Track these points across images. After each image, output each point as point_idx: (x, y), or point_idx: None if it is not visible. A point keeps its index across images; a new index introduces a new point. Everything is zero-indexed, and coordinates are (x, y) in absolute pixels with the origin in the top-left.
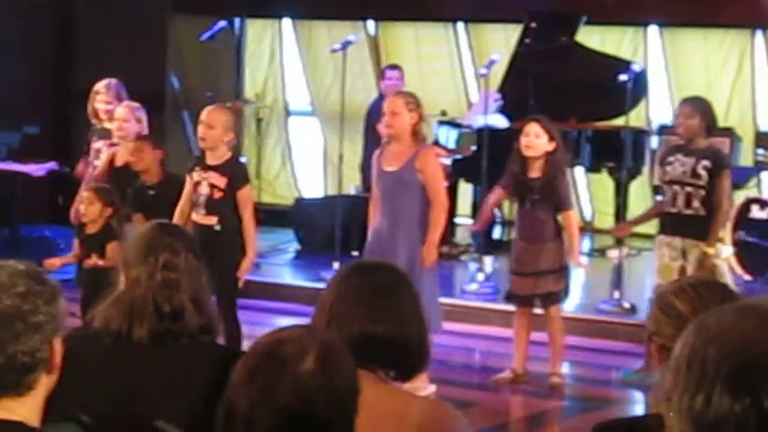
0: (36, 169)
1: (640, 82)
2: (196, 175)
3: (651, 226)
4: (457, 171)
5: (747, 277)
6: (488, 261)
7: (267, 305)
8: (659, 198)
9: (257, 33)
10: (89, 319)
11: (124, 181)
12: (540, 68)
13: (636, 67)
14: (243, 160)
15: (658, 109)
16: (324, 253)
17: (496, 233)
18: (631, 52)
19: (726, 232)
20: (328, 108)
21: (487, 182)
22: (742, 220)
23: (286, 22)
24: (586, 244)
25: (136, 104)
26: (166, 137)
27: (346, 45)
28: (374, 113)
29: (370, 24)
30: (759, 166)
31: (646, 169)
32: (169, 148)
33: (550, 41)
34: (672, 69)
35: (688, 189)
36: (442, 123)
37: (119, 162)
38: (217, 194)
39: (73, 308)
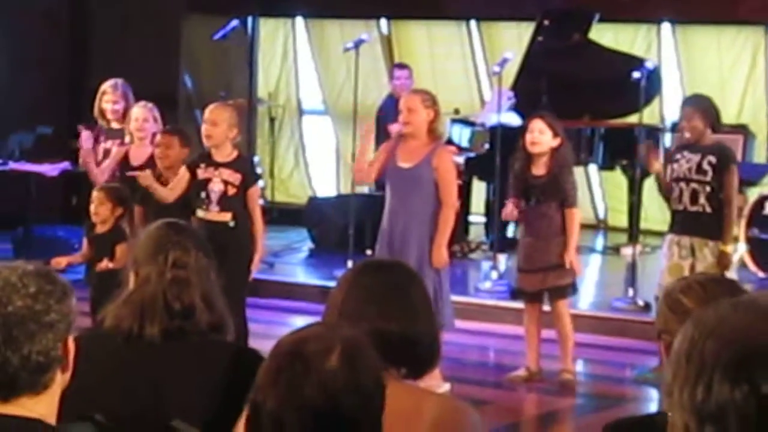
0: (49, 169)
1: (653, 80)
2: (203, 171)
3: (665, 224)
4: (471, 169)
5: (761, 274)
6: (502, 259)
7: (280, 304)
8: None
9: (270, 32)
10: (100, 318)
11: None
12: (553, 66)
13: (649, 65)
14: (256, 159)
15: (671, 106)
16: (337, 252)
17: (510, 231)
18: (645, 49)
19: (740, 229)
20: (340, 107)
21: (500, 180)
22: (756, 217)
23: (299, 21)
24: (599, 242)
25: (151, 104)
26: None
27: (358, 44)
28: (384, 112)
29: (383, 23)
30: None
31: (659, 166)
32: None
33: (564, 39)
34: (685, 66)
35: (694, 185)
36: (455, 121)
37: (135, 161)
38: (232, 191)
39: (84, 308)
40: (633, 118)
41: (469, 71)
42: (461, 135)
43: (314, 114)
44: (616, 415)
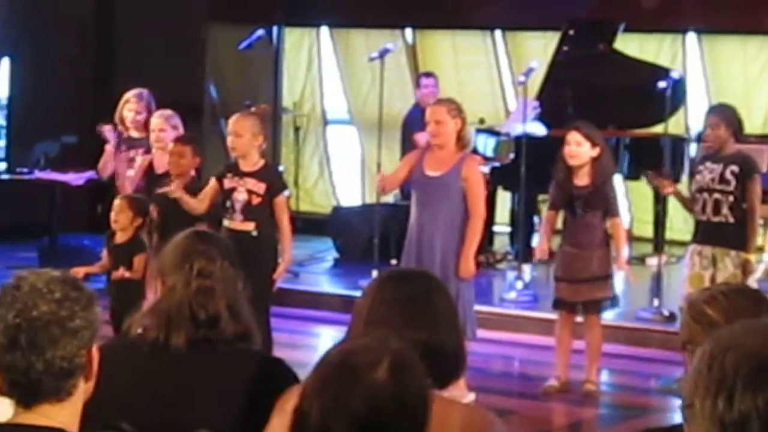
0: (75, 179)
1: (678, 90)
2: (229, 181)
3: (690, 234)
4: (496, 179)
5: None
6: (527, 269)
7: (305, 314)
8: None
9: (295, 41)
10: (126, 327)
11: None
12: (578, 76)
13: (675, 75)
14: (281, 168)
15: (696, 116)
16: (362, 262)
17: (534, 241)
18: (670, 59)
19: (764, 239)
20: (365, 116)
21: (525, 190)
22: None
23: (324, 31)
24: (624, 252)
25: (169, 112)
26: (205, 146)
27: (383, 53)
28: (411, 121)
29: (408, 32)
30: None
31: (685, 177)
32: (208, 157)
33: (589, 49)
34: (710, 76)
35: (717, 195)
36: (480, 131)
37: (159, 170)
38: (256, 200)
39: (105, 317)
40: (658, 128)
41: (494, 81)
42: (486, 145)
43: (339, 123)
44: (640, 425)
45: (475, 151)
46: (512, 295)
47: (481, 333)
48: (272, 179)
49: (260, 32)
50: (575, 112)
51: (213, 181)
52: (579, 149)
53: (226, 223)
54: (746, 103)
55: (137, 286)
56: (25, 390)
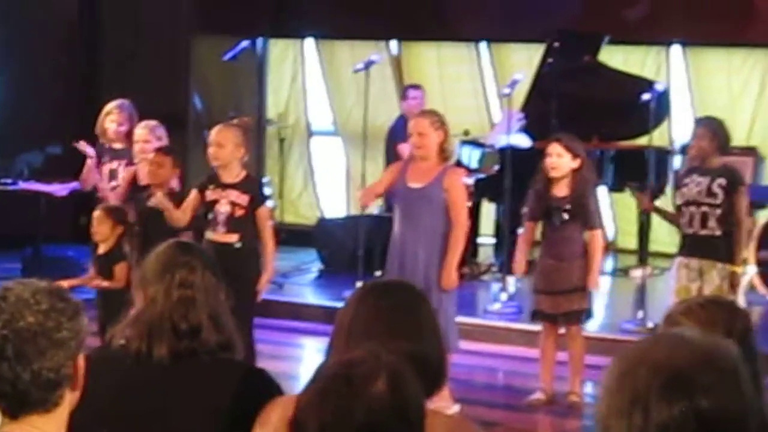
0: (59, 189)
1: (663, 102)
2: (211, 193)
3: (674, 246)
4: (480, 191)
5: None
6: (511, 281)
7: (290, 325)
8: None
9: (280, 53)
10: (109, 338)
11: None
12: (563, 88)
13: (659, 87)
14: (266, 180)
15: (681, 128)
16: (347, 273)
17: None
18: (654, 71)
19: (750, 252)
20: (350, 128)
21: (510, 202)
22: (766, 239)
23: (309, 42)
24: (609, 264)
25: (154, 122)
26: (189, 156)
27: (368, 65)
28: (395, 133)
29: (393, 44)
30: None
31: (669, 189)
32: (192, 168)
33: (573, 61)
34: (695, 88)
35: (704, 209)
36: (464, 143)
37: (144, 181)
38: (239, 212)
39: (94, 328)
40: (643, 140)
41: (479, 93)
42: (471, 156)
43: (324, 135)
44: None
45: (459, 163)
46: (497, 306)
47: (466, 345)
48: (255, 191)
49: (245, 44)
50: (560, 123)
51: (194, 193)
52: (560, 161)
53: (208, 235)
54: (730, 115)
55: (122, 295)
56: (12, 401)
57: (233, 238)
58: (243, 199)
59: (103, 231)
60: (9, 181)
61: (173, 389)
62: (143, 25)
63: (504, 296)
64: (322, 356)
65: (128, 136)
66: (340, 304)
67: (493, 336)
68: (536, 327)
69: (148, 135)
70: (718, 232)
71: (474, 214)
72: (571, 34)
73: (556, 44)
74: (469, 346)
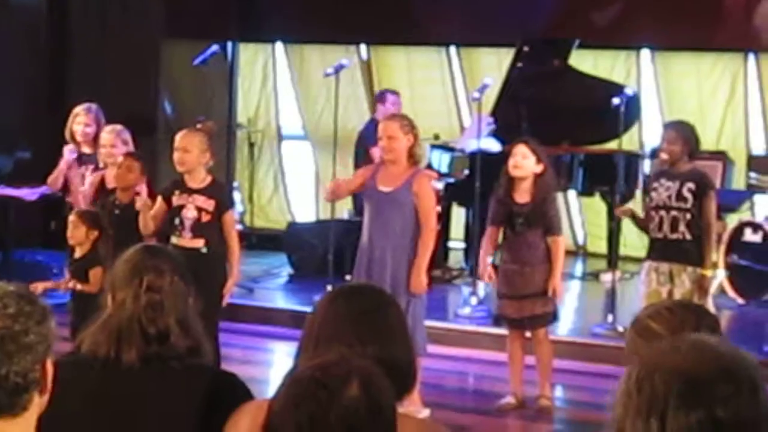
0: (28, 194)
1: (632, 106)
2: (177, 198)
3: (644, 250)
4: (450, 195)
5: (740, 301)
6: (481, 285)
7: (259, 329)
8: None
9: (250, 57)
10: (78, 343)
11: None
12: (533, 92)
13: (629, 91)
14: (235, 184)
15: (650, 132)
16: (317, 278)
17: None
18: (624, 75)
19: (719, 256)
20: (320, 132)
21: (480, 206)
22: (735, 243)
23: (279, 47)
24: (579, 268)
25: (119, 127)
26: (159, 161)
27: (338, 69)
28: (368, 137)
29: (363, 48)
30: (751, 190)
31: (639, 193)
32: (161, 172)
33: (543, 65)
34: (664, 93)
35: (674, 213)
36: (434, 147)
37: (111, 184)
38: (205, 217)
39: (65, 333)
40: (612, 145)
41: (449, 97)
42: (441, 160)
43: (294, 139)
44: None
45: (429, 167)
46: (467, 310)
47: (436, 349)
48: (221, 196)
49: (215, 48)
50: (530, 128)
51: (160, 201)
52: (524, 161)
53: (174, 240)
54: (700, 119)
55: (96, 300)
56: None
57: (199, 243)
58: (209, 204)
59: (77, 236)
60: None
61: (142, 394)
62: (112, 29)
63: (474, 300)
64: (292, 360)
65: (96, 139)
66: (310, 309)
67: (463, 340)
68: (506, 331)
69: (114, 139)
70: (688, 236)
71: (444, 218)
72: (540, 39)
73: (526, 48)
74: (440, 350)
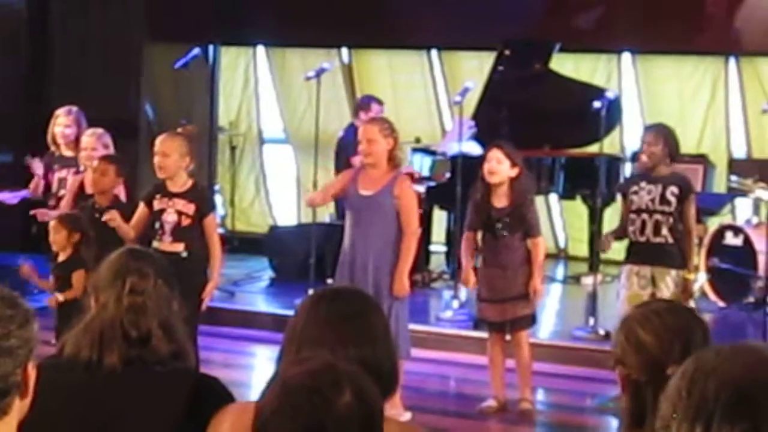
0: (9, 198)
1: (614, 109)
2: (158, 202)
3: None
4: (432, 198)
5: (721, 304)
6: (463, 288)
7: (241, 333)
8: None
9: (231, 61)
10: (60, 346)
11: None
12: (514, 95)
13: (610, 94)
14: (216, 188)
15: (632, 136)
16: (298, 281)
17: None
18: (605, 79)
19: (700, 259)
20: (301, 135)
21: (461, 209)
22: (716, 246)
23: (260, 50)
24: (560, 271)
25: (100, 130)
26: (140, 164)
27: (320, 73)
28: (346, 142)
29: (344, 52)
30: (732, 193)
31: (619, 196)
32: (143, 175)
33: (524, 68)
34: (645, 96)
35: (657, 216)
36: (416, 150)
37: (90, 189)
38: (186, 221)
39: (49, 337)
40: (594, 148)
41: (430, 100)
42: (422, 164)
43: (275, 143)
44: None
45: (410, 172)
46: (448, 314)
47: (418, 352)
48: (201, 199)
49: (196, 51)
50: (511, 131)
51: (142, 207)
52: (499, 167)
53: (155, 244)
54: (681, 122)
55: (80, 304)
56: None
57: (179, 247)
58: (189, 208)
59: (59, 240)
60: None
61: (124, 398)
62: (93, 32)
63: (456, 304)
64: (274, 364)
65: (77, 142)
66: (291, 312)
67: (444, 343)
68: (487, 335)
69: (95, 143)
70: (670, 240)
71: (426, 221)
72: (521, 42)
73: (507, 52)
74: (421, 353)
